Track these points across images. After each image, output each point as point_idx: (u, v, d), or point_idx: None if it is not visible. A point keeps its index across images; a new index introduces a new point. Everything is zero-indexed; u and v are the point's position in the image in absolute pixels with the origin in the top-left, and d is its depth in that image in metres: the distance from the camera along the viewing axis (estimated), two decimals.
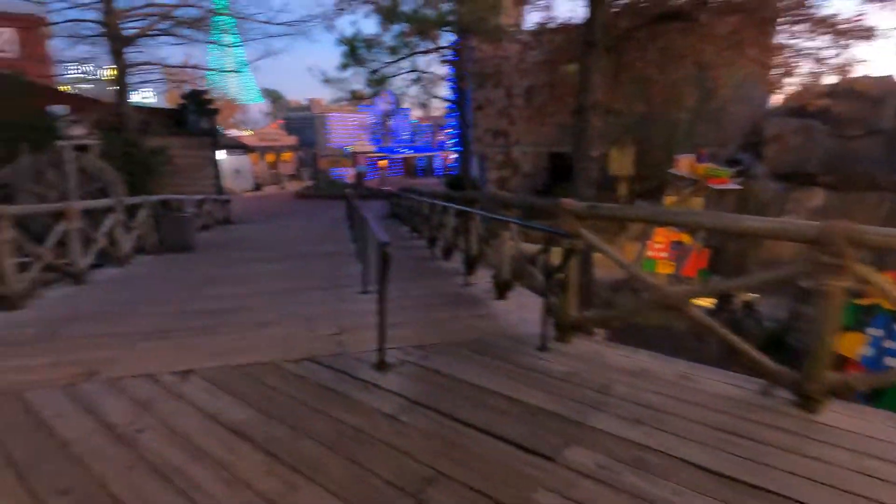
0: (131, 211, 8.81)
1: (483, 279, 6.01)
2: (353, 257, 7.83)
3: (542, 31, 8.23)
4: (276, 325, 4.42)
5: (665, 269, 9.59)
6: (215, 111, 15.73)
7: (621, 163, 13.14)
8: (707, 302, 7.45)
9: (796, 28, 6.36)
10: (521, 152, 17.43)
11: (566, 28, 7.87)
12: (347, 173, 39.11)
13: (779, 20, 6.51)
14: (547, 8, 7.64)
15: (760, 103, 12.99)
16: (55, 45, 15.51)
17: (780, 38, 6.69)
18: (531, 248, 4.58)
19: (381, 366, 3.38)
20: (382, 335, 3.38)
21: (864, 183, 10.25)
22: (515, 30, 13.25)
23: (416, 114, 47.82)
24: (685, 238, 9.38)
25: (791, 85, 7.40)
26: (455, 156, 44.96)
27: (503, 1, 14.15)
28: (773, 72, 7.15)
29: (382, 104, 40.07)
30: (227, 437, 2.57)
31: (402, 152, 46.98)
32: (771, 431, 2.60)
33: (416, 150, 49.93)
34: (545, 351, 3.63)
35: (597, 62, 6.15)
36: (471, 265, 6.27)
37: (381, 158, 43.87)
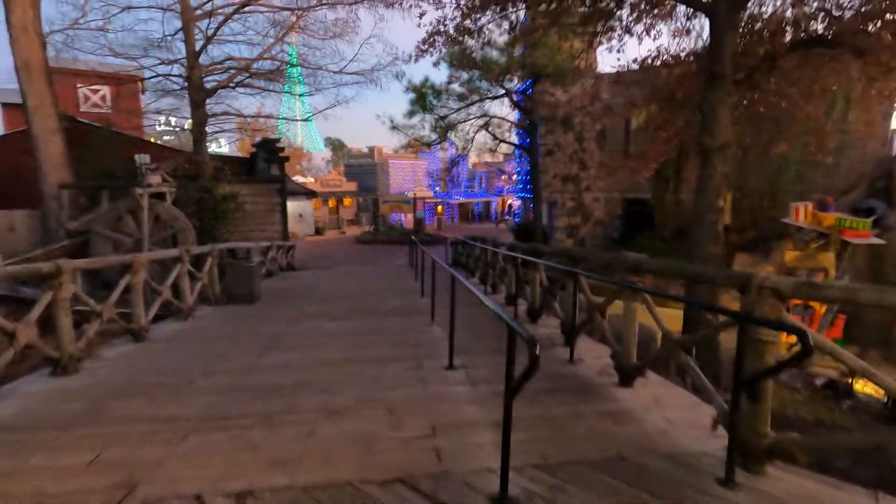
0: (198, 259, 8.55)
1: (589, 354, 4.98)
2: (426, 316, 7.02)
3: (648, 66, 7.41)
4: (350, 414, 3.58)
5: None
6: (285, 159, 15.95)
7: None
8: (870, 388, 5.90)
9: None
10: (593, 199, 16.39)
11: (679, 61, 6.98)
12: (405, 218, 39.34)
13: None
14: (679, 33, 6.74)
15: (882, 142, 11.39)
16: (146, 98, 16.55)
17: None
18: (665, 314, 3.53)
19: (505, 502, 2.41)
20: (506, 461, 2.42)
21: None
22: (590, 73, 12.57)
23: (472, 159, 48.12)
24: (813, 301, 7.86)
25: None
26: (517, 202, 44.46)
27: (576, 44, 13.65)
28: None
29: (441, 151, 40.58)
30: None
31: (459, 198, 47.00)
32: None
33: (473, 195, 49.89)
34: (733, 487, 2.53)
35: (724, 97, 5.20)
36: (571, 336, 5.26)
37: (439, 204, 43.99)
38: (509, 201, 50.37)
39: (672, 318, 5.21)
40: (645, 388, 4.01)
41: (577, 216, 16.60)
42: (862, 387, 6.05)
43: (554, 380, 4.35)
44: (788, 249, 8.32)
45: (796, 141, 7.67)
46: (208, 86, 13.16)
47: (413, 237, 16.75)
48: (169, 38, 13.17)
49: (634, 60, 7.56)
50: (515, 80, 14.89)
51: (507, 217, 45.80)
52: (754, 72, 5.70)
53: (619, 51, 7.59)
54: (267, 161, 15.77)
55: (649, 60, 7.38)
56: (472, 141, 16.25)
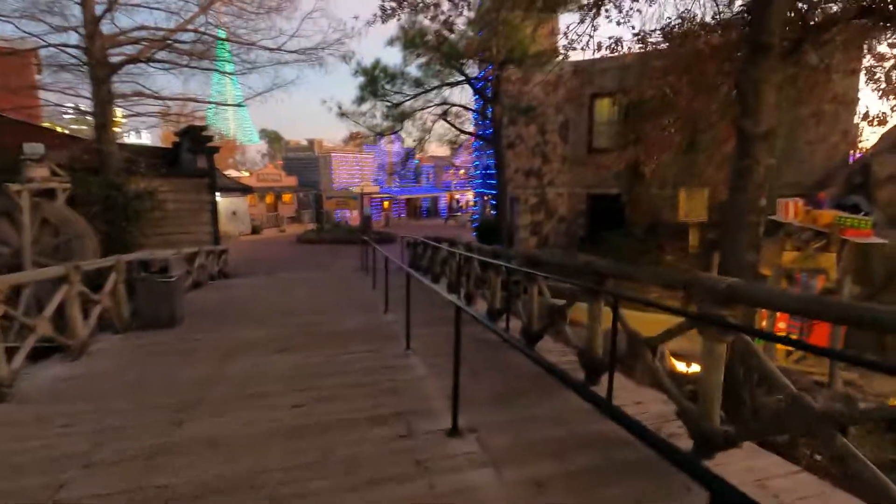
0: (97, 276, 6.69)
1: (626, 396, 3.89)
2: (398, 341, 5.72)
3: (672, 34, 6.39)
4: None
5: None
6: (215, 150, 13.83)
7: (692, 207, 11.27)
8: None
9: None
10: (557, 194, 15.58)
11: (707, 28, 6.00)
12: (350, 215, 37.31)
13: None
14: None
15: (846, 138, 11.30)
16: (44, 77, 13.75)
17: None
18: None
19: None
20: None
21: None
22: (561, 58, 11.62)
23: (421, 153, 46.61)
24: None
25: None
26: (468, 198, 43.44)
27: (539, 32, 12.68)
28: None
29: (388, 144, 38.88)
30: None
31: (407, 193, 45.48)
32: None
33: (420, 190, 48.52)
34: None
35: (770, 74, 4.29)
36: (598, 372, 4.16)
37: (385, 200, 42.28)
38: (457, 196, 49.48)
39: (648, 322, 4.21)
40: (732, 459, 2.92)
41: (540, 213, 15.75)
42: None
43: (594, 442, 3.18)
44: (786, 249, 7.75)
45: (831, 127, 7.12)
46: (115, 60, 10.90)
47: (364, 236, 15.21)
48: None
49: (649, 31, 6.49)
50: (476, 67, 13.72)
51: (457, 213, 44.82)
52: (801, 44, 4.86)
53: (621, 22, 6.56)
54: (192, 152, 13.61)
55: (671, 29, 6.39)
56: (431, 131, 14.94)
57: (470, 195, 39.60)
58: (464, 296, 8.12)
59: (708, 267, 10.82)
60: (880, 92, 5.92)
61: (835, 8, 4.89)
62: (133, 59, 11.05)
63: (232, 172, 38.07)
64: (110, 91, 10.87)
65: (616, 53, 6.83)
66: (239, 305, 8.86)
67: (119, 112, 13.40)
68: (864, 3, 4.62)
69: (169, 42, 11.30)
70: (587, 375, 4.27)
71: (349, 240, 25.24)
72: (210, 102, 15.65)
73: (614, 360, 3.60)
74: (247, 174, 40.29)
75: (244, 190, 26.67)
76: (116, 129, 14.03)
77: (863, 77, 6.07)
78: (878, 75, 5.92)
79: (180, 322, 7.13)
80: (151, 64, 11.64)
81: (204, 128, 13.94)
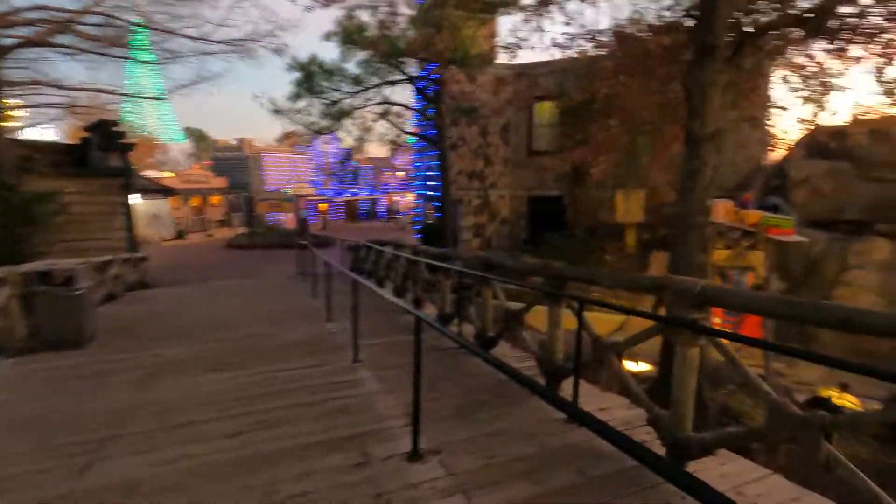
0: None
1: (590, 404, 3.76)
2: (344, 352, 5.33)
3: (622, 35, 6.40)
4: None
5: None
6: (129, 146, 12.52)
7: (629, 208, 11.67)
8: (847, 401, 5.64)
9: None
10: (498, 196, 15.65)
11: (654, 29, 6.07)
12: (284, 218, 35.71)
13: None
14: None
15: (762, 143, 12.20)
16: None
17: None
18: None
19: None
20: None
21: None
22: (505, 59, 11.64)
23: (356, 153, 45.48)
24: None
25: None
26: (406, 199, 42.94)
27: (479, 32, 12.66)
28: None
29: (323, 144, 37.68)
30: None
31: (344, 195, 44.33)
32: None
33: (359, 192, 47.49)
34: None
35: (715, 76, 4.38)
36: (556, 377, 4.04)
37: (322, 202, 40.94)
38: (396, 198, 48.93)
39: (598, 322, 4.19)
40: (704, 465, 2.85)
41: (483, 215, 15.75)
42: (839, 400, 5.85)
43: (566, 457, 3.00)
44: (718, 248, 8.16)
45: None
46: (5, 42, 9.52)
47: (302, 240, 14.45)
48: None
49: (599, 31, 6.49)
50: (417, 67, 13.44)
51: (397, 215, 44.27)
52: (741, 48, 5.04)
53: (569, 23, 6.56)
54: (104, 149, 12.25)
55: (622, 29, 6.43)
56: (370, 131, 14.45)
57: (410, 197, 39.29)
58: (412, 300, 7.82)
59: (645, 267, 11.25)
60: (803, 100, 6.36)
61: (774, 16, 5.15)
62: (28, 42, 9.71)
63: (152, 173, 35.22)
64: (0, 78, 9.49)
65: (568, 53, 6.83)
66: (161, 319, 7.99)
67: (15, 103, 11.81)
68: (797, 13, 4.89)
69: (73, 24, 10.06)
70: (548, 382, 4.13)
71: (284, 244, 24.05)
72: (124, 95, 14.20)
73: (579, 366, 3.46)
74: (170, 175, 37.49)
75: (166, 192, 24.58)
76: (10, 123, 12.39)
77: (786, 84, 6.47)
78: (801, 83, 6.34)
79: (90, 341, 6.25)
80: (52, 49, 10.31)
81: (117, 122, 12.60)
